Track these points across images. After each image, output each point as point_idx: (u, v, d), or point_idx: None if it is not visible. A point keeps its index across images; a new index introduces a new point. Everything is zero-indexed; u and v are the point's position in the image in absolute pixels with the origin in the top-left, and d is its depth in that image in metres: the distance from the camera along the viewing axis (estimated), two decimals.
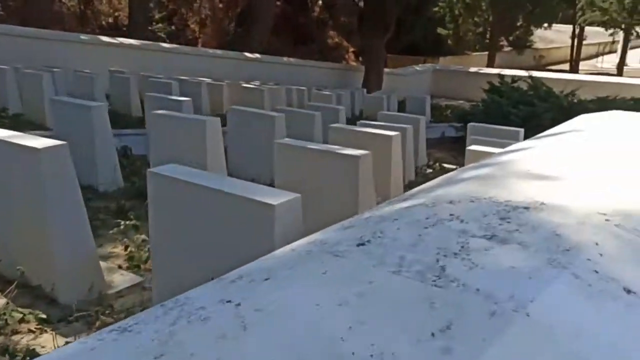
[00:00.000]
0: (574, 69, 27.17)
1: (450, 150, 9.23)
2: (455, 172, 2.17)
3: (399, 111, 14.09)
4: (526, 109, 9.59)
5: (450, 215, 1.57)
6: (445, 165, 6.92)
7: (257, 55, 15.75)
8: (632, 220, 1.57)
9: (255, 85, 10.69)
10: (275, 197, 1.82)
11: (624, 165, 2.22)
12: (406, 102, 13.87)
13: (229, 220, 1.87)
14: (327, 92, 11.25)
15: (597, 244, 1.39)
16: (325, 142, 5.01)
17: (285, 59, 17.01)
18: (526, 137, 5.54)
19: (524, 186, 1.85)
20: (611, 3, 23.39)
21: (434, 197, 1.77)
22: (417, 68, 19.75)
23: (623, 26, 24.63)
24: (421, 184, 2.38)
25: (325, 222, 2.50)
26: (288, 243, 1.54)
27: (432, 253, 1.32)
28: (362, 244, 1.38)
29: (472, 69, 19.34)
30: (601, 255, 1.35)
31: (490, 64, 22.40)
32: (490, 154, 3.29)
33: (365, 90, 16.08)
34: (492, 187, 1.83)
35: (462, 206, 1.64)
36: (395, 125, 5.40)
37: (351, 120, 11.16)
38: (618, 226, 1.52)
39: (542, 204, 1.67)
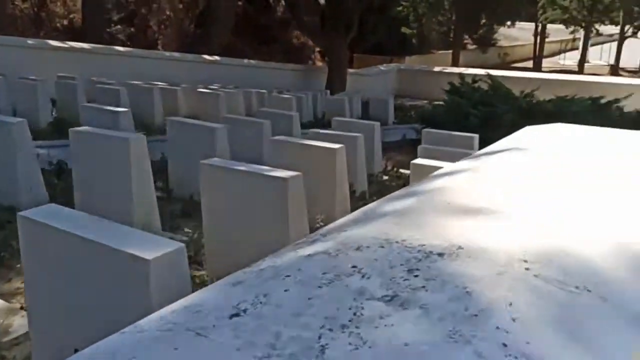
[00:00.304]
0: (538, 66, 27.49)
1: (410, 153, 9.08)
2: (376, 203, 1.98)
3: (362, 112, 13.97)
4: (486, 110, 9.53)
5: (353, 268, 1.37)
6: (402, 170, 6.77)
7: (216, 58, 15.41)
8: (553, 266, 1.40)
9: (211, 89, 10.40)
10: (155, 249, 1.60)
11: (561, 187, 2.06)
12: (369, 103, 13.73)
13: (103, 275, 1.64)
14: (286, 96, 11.02)
15: (510, 304, 1.21)
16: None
17: (245, 60, 16.71)
18: (484, 139, 5.41)
19: (446, 224, 1.67)
20: (571, 1, 23.71)
21: (342, 240, 1.57)
22: (382, 68, 19.65)
23: (583, 24, 25.01)
24: (376, 194, 2.22)
25: (252, 250, 2.27)
26: (168, 302, 1.33)
27: (316, 326, 1.12)
28: (237, 315, 1.18)
29: (436, 69, 19.33)
30: (514, 320, 1.17)
31: (454, 63, 22.46)
32: (435, 168, 3.13)
33: (328, 91, 15.91)
34: (409, 227, 1.64)
35: (369, 254, 1.45)
36: (346, 134, 5.22)
37: (314, 124, 10.97)
38: (538, 276, 1.34)
39: (460, 248, 1.48)
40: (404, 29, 23.56)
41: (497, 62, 28.31)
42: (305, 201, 2.87)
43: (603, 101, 10.01)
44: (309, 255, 1.49)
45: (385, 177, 6.58)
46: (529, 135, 2.91)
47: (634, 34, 28.22)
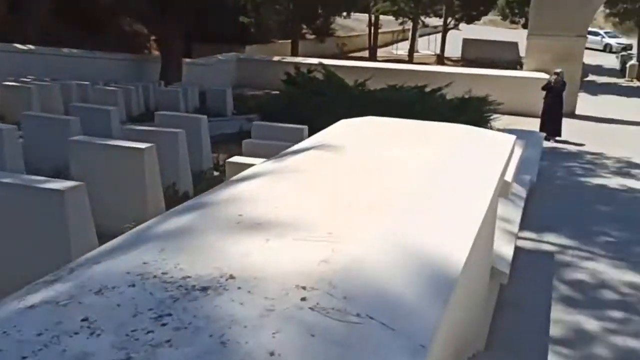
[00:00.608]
0: (373, 56, 28.75)
1: None
2: (156, 219, 1.67)
3: (200, 104, 13.44)
4: (320, 99, 9.59)
5: (83, 321, 1.06)
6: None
7: (31, 47, 13.83)
8: (336, 291, 1.20)
9: (22, 82, 9.25)
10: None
11: (360, 187, 1.91)
12: (206, 94, 13.25)
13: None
14: (112, 88, 10.18)
15: (272, 354, 0.98)
16: None
17: (66, 50, 15.23)
18: (319, 129, 5.31)
19: (224, 246, 1.41)
20: None
21: (85, 279, 1.24)
22: (220, 57, 19.17)
23: (411, 16, 26.63)
24: (203, 192, 1.92)
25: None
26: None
27: None
28: None
29: (276, 58, 19.29)
30: None
31: (294, 53, 22.64)
32: (249, 166, 2.89)
33: (163, 82, 15.12)
34: (177, 253, 1.36)
35: (111, 299, 1.14)
36: (165, 130, 4.80)
37: (146, 117, 10.26)
38: (314, 308, 1.13)
39: (231, 278, 1.24)
40: (242, 18, 23.22)
41: (335, 52, 29.13)
42: (96, 210, 2.47)
43: (427, 89, 10.58)
44: (32, 305, 1.14)
45: (217, 173, 6.26)
46: (339, 130, 2.78)
47: (456, 27, 30.66)
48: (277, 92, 12.67)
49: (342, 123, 3.21)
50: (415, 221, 1.66)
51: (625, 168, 10.35)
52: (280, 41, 26.25)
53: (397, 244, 1.48)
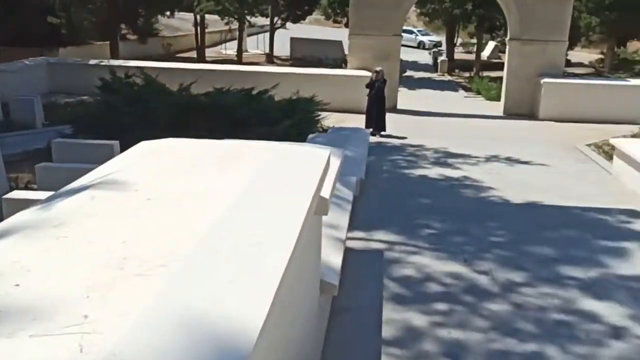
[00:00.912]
0: (202, 57, 28.02)
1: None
2: None
3: (2, 116, 11.92)
4: (140, 107, 8.94)
5: None
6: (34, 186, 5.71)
7: None
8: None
9: None
10: None
11: (149, 232, 1.59)
12: (9, 105, 11.77)
13: None
14: None
15: None
16: None
17: None
18: (139, 139, 4.81)
19: None
20: None
21: None
22: (27, 62, 17.25)
23: (236, 16, 26.36)
24: None
25: None
26: None
27: None
28: None
29: (92, 61, 17.84)
30: None
31: (113, 55, 21.15)
32: (32, 202, 2.40)
33: None
34: None
35: None
36: None
37: None
38: None
39: None
40: (50, 18, 21.16)
41: (161, 53, 27.89)
42: None
43: (255, 92, 10.40)
44: None
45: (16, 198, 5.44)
46: (133, 158, 2.41)
47: (282, 26, 31.06)
48: (94, 99, 11.65)
49: (139, 148, 2.83)
50: (201, 279, 1.39)
51: (442, 158, 11.11)
52: (98, 43, 24.44)
53: (174, 318, 1.20)
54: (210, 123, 7.82)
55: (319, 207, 2.69)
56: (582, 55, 33.16)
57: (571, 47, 24.91)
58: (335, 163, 3.21)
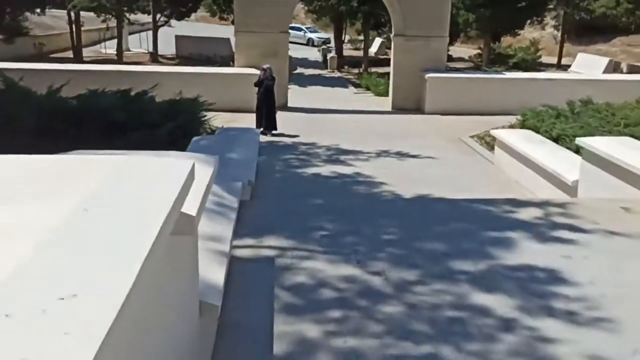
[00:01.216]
0: (79, 56, 26.25)
1: None
2: None
3: None
4: (1, 113, 8.00)
5: None
6: None
7: None
8: None
9: None
10: None
11: None
12: None
13: None
14: None
15: None
16: None
17: None
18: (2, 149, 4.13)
19: None
20: None
21: None
22: None
23: (113, 13, 24.87)
24: None
25: None
26: None
27: None
28: None
29: None
30: None
31: None
32: None
33: None
34: None
35: None
36: None
37: None
38: None
39: None
40: None
41: (33, 54, 25.77)
42: None
43: (133, 93, 9.71)
44: None
45: None
46: None
47: (166, 23, 29.84)
48: None
49: None
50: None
51: (335, 155, 11.03)
52: None
53: None
54: (80, 129, 7.12)
55: (183, 226, 2.32)
56: (462, 50, 34.90)
57: (452, 42, 26.06)
58: (206, 173, 2.85)
